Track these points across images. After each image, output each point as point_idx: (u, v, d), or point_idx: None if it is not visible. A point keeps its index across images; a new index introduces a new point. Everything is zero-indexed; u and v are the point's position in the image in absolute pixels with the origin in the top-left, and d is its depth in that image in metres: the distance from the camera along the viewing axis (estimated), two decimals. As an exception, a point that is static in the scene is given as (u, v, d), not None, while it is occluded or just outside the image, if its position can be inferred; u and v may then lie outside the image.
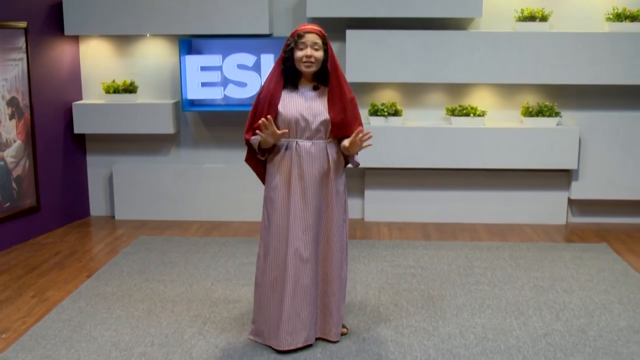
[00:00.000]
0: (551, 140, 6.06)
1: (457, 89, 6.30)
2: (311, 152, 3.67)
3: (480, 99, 6.33)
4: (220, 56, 6.17)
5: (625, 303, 4.47)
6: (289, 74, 3.67)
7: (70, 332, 4.03)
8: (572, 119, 6.26)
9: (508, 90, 6.32)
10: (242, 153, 6.45)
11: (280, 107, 3.65)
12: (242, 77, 6.17)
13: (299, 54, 3.59)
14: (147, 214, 6.53)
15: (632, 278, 4.92)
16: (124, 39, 6.42)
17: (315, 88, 3.69)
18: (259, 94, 3.70)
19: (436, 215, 6.43)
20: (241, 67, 6.16)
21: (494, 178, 6.36)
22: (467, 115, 6.14)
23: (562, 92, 6.29)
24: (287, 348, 3.72)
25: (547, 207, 6.38)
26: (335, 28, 6.20)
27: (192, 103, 6.36)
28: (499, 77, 6.07)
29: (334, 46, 6.22)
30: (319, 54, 3.59)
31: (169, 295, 4.60)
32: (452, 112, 6.17)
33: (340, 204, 3.76)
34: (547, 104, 6.16)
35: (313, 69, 3.61)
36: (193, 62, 6.16)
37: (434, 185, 6.39)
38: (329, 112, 3.64)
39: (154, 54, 6.44)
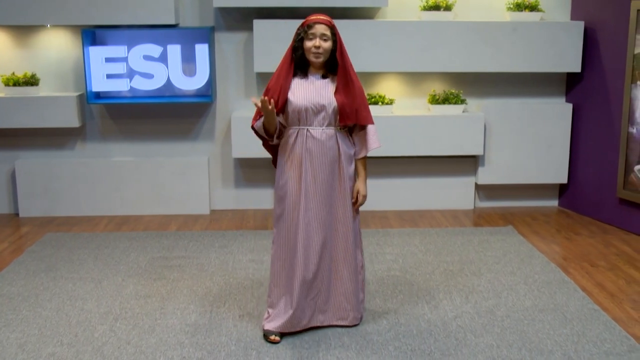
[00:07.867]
0: (458, 127, 6.20)
1: (365, 77, 6.35)
2: (321, 139, 3.71)
3: (388, 88, 6.41)
4: (126, 47, 6.02)
5: (530, 283, 4.62)
6: (299, 63, 3.73)
7: (-27, 335, 3.88)
8: (477, 106, 6.42)
9: (415, 78, 6.42)
10: (152, 145, 6.43)
11: (290, 96, 3.70)
12: (149, 68, 6.05)
13: (308, 44, 3.65)
14: (53, 210, 6.33)
15: (536, 259, 5.09)
16: (23, 30, 6.18)
17: (324, 76, 3.75)
18: (270, 82, 3.73)
19: (348, 203, 6.47)
20: (147, 58, 6.04)
21: (403, 165, 6.46)
22: (376, 103, 6.20)
23: (467, 80, 6.44)
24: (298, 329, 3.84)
25: (455, 193, 6.53)
26: (242, 18, 6.16)
27: (98, 95, 6.19)
28: (406, 65, 6.15)
29: (241, 37, 6.21)
30: (328, 45, 3.66)
31: (78, 293, 4.48)
32: (361, 101, 6.22)
33: (351, 190, 3.83)
34: (453, 91, 6.29)
35: (321, 59, 3.68)
36: (97, 53, 5.99)
37: (345, 174, 6.43)
38: (336, 99, 3.69)
39: (56, 45, 6.23)
